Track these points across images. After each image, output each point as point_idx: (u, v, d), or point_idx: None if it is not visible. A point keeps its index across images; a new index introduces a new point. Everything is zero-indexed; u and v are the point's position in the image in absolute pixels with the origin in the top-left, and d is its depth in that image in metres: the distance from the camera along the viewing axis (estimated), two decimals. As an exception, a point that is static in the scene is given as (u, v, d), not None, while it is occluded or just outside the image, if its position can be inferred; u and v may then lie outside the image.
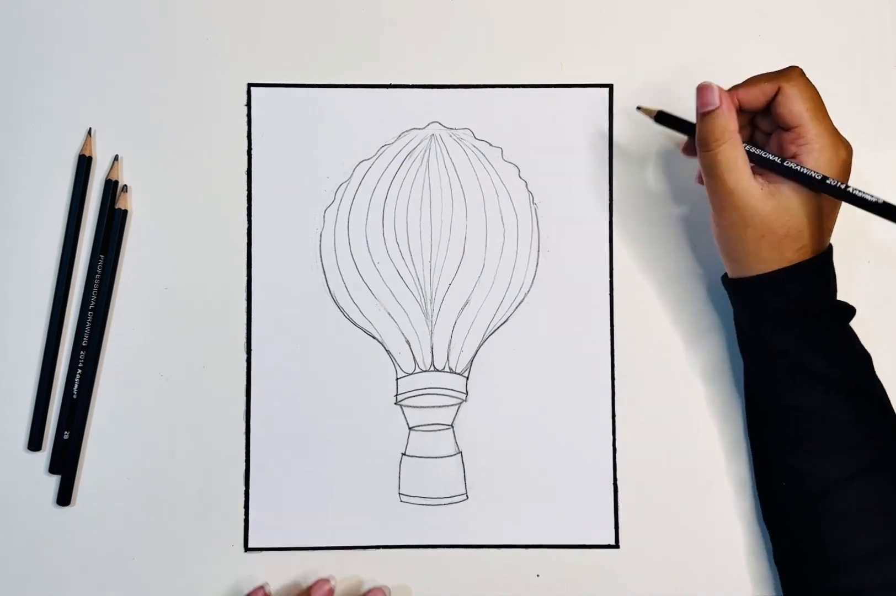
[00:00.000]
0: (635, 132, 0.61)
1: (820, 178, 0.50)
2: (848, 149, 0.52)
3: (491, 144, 0.62)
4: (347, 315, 0.61)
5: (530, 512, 0.60)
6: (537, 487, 0.60)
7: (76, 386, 0.60)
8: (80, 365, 0.60)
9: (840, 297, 0.54)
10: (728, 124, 0.51)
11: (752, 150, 0.52)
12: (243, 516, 0.60)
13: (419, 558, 0.60)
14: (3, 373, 0.60)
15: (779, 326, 0.52)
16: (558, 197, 0.61)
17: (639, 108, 0.56)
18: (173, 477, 0.60)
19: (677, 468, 0.59)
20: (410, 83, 0.62)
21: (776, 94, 0.51)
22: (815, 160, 0.50)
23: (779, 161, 0.51)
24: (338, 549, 0.60)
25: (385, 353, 0.61)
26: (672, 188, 0.62)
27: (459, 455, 0.61)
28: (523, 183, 0.61)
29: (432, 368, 0.61)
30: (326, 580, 0.58)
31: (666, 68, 0.62)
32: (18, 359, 0.60)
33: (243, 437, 0.61)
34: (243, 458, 0.60)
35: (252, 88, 0.61)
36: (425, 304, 0.61)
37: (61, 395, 0.60)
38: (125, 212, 0.61)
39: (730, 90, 0.53)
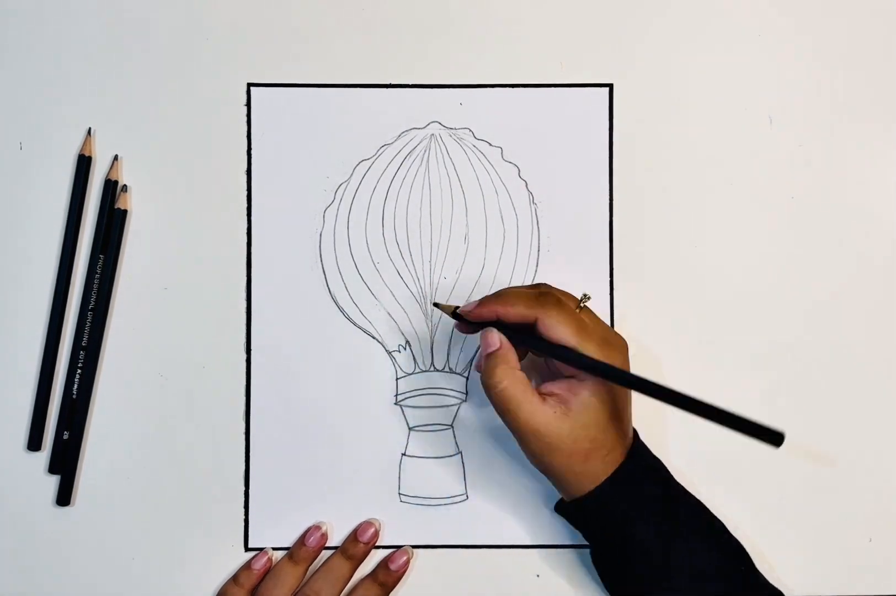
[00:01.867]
0: (635, 132, 0.61)
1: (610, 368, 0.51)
2: (622, 350, 0.53)
3: (491, 144, 0.62)
4: (347, 315, 0.61)
5: (530, 512, 0.60)
6: (537, 487, 0.60)
7: (76, 386, 0.60)
8: (80, 365, 0.60)
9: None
10: (509, 363, 0.52)
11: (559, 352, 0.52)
12: (243, 516, 0.60)
13: (419, 558, 0.60)
14: (3, 373, 0.60)
15: (624, 535, 0.53)
16: (558, 197, 0.61)
17: (436, 304, 0.57)
18: (173, 477, 0.60)
19: (677, 468, 0.59)
20: (410, 83, 0.62)
21: (536, 323, 0.52)
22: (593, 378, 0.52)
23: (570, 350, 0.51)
24: (337, 548, 0.60)
25: (385, 353, 0.61)
26: (672, 188, 0.62)
27: (459, 455, 0.61)
28: (523, 183, 0.61)
29: (432, 368, 0.61)
30: (318, 527, 0.59)
31: (666, 68, 0.62)
32: (18, 359, 0.60)
33: (243, 437, 0.61)
34: (243, 458, 0.60)
35: (252, 88, 0.61)
36: (425, 304, 0.61)
37: (61, 395, 0.60)
38: (125, 212, 0.61)
39: (491, 302, 0.53)
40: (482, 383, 0.53)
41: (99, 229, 0.60)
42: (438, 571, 0.60)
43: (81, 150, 0.61)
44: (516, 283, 0.61)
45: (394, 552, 0.59)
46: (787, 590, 0.57)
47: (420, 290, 0.61)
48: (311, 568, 0.59)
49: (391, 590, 0.59)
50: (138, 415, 0.60)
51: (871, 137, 0.62)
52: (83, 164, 0.60)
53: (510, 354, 0.53)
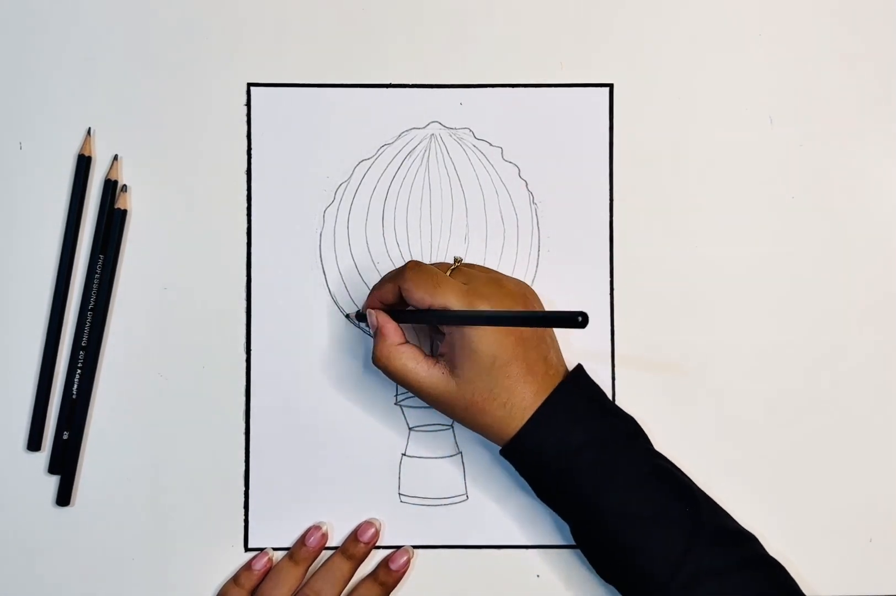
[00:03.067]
0: (635, 132, 0.61)
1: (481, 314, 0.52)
2: (487, 298, 0.53)
3: (491, 144, 0.62)
4: (347, 315, 0.61)
5: (530, 512, 0.60)
6: (537, 487, 0.60)
7: (76, 386, 0.60)
8: (80, 365, 0.60)
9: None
10: (387, 340, 0.55)
11: (406, 313, 0.55)
12: (243, 516, 0.60)
13: (419, 558, 0.60)
14: (2, 373, 0.60)
15: (554, 477, 0.54)
16: (558, 197, 0.61)
17: (347, 316, 0.61)
18: (173, 477, 0.60)
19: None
20: (410, 83, 0.62)
21: (400, 292, 0.54)
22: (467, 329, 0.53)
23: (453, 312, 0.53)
24: (337, 549, 0.60)
25: (385, 353, 0.61)
26: (672, 188, 0.62)
27: (459, 455, 0.61)
28: (523, 183, 0.61)
29: (432, 368, 0.61)
30: (318, 527, 0.59)
31: (666, 68, 0.62)
32: (18, 359, 0.60)
33: (243, 437, 0.61)
34: (243, 458, 0.60)
35: (252, 88, 0.61)
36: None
37: (61, 395, 0.60)
38: (125, 212, 0.61)
39: (371, 292, 0.57)
40: (374, 359, 0.55)
41: (99, 229, 0.60)
42: (438, 571, 0.60)
43: (81, 150, 0.61)
44: (516, 283, 0.61)
45: (394, 552, 0.59)
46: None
47: (420, 291, 0.61)
48: (311, 568, 0.59)
49: (392, 590, 0.59)
50: (138, 415, 0.60)
51: (871, 137, 0.62)
52: (83, 164, 0.60)
53: (388, 330, 0.55)
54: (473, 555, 0.60)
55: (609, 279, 0.61)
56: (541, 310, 0.56)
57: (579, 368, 0.56)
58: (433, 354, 0.57)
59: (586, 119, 0.62)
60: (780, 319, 0.61)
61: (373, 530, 0.59)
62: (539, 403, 0.53)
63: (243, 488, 0.60)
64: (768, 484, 0.60)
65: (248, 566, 0.59)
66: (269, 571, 0.59)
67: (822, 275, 0.61)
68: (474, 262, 0.60)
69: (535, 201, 0.61)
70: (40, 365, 0.60)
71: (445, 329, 0.55)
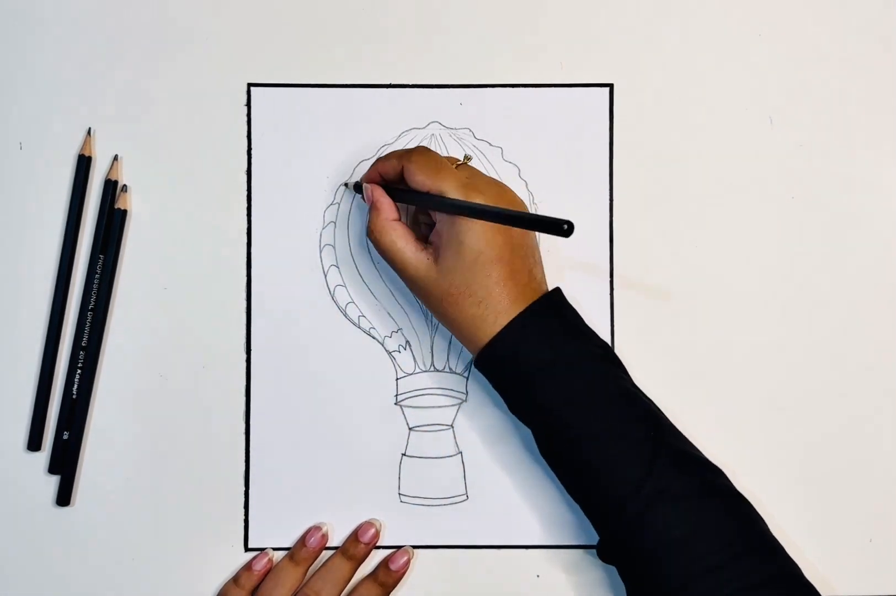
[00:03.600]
0: (635, 132, 0.61)
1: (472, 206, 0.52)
2: (485, 193, 0.53)
3: (491, 144, 0.61)
4: (347, 315, 0.61)
5: (530, 512, 0.60)
6: (537, 487, 0.60)
7: (76, 386, 0.60)
8: (80, 365, 0.60)
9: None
10: (381, 215, 0.56)
11: (401, 192, 0.56)
12: (243, 516, 0.60)
13: (419, 558, 0.60)
14: (3, 373, 0.60)
15: (522, 388, 0.54)
16: (558, 197, 0.61)
17: (345, 184, 0.61)
18: (173, 477, 0.60)
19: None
20: (410, 83, 0.62)
21: (402, 172, 0.55)
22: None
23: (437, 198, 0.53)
24: (338, 549, 0.60)
25: (385, 353, 0.61)
26: (672, 188, 0.62)
27: (459, 455, 0.61)
28: (523, 183, 0.61)
29: (432, 369, 0.61)
30: (318, 527, 0.59)
31: (666, 68, 0.62)
32: (18, 359, 0.60)
33: (243, 437, 0.61)
34: (243, 458, 0.60)
35: (252, 88, 0.61)
36: (425, 304, 0.61)
37: (61, 395, 0.60)
38: (125, 212, 0.61)
39: (374, 163, 0.57)
40: (367, 233, 0.56)
41: (99, 229, 0.60)
42: (438, 571, 0.60)
43: (81, 150, 0.61)
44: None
45: (394, 552, 0.59)
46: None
47: (420, 291, 0.61)
48: (311, 568, 0.59)
49: (392, 590, 0.59)
50: (138, 415, 0.60)
51: (871, 137, 0.62)
52: (83, 164, 0.60)
53: (384, 204, 0.56)
54: (473, 555, 0.60)
55: (609, 279, 0.61)
56: (527, 214, 0.54)
57: (558, 289, 0.56)
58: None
59: (586, 119, 0.62)
60: (780, 318, 0.61)
61: (373, 531, 0.59)
62: (516, 312, 0.53)
63: (243, 488, 0.60)
64: (768, 484, 0.60)
65: (248, 567, 0.59)
66: (270, 571, 0.59)
67: (822, 275, 0.61)
68: None
69: (535, 201, 0.61)
70: (40, 365, 0.60)
71: (437, 217, 0.55)
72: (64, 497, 0.60)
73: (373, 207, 0.56)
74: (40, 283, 0.60)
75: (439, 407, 0.61)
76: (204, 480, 0.60)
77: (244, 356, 0.61)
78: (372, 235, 0.56)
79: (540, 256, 0.56)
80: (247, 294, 0.61)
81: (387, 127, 0.61)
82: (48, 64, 0.61)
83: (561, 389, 0.53)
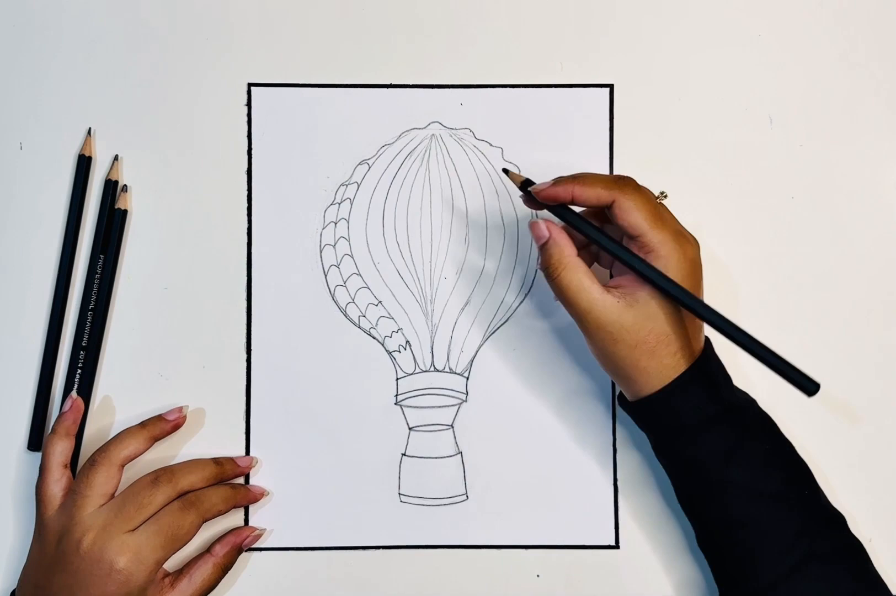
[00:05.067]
0: (635, 132, 0.61)
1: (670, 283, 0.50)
2: (694, 246, 0.52)
3: (491, 144, 0.62)
4: (347, 315, 0.61)
5: (530, 512, 0.60)
6: (537, 487, 0.60)
7: (76, 386, 0.60)
8: (80, 365, 0.60)
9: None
10: (563, 251, 0.51)
11: (608, 243, 0.51)
12: (243, 516, 0.60)
13: (419, 559, 0.60)
14: (3, 373, 0.60)
15: (685, 441, 0.53)
16: (558, 197, 0.61)
17: (505, 170, 0.55)
18: (173, 477, 0.60)
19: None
20: (410, 83, 0.62)
21: (612, 205, 0.51)
22: (663, 266, 0.50)
23: (636, 259, 0.51)
24: (338, 549, 0.60)
25: (385, 353, 0.61)
26: (672, 188, 0.61)
27: (459, 455, 0.61)
28: (523, 183, 0.61)
29: (432, 369, 0.61)
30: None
31: (666, 68, 0.62)
32: (18, 359, 0.60)
33: (243, 436, 0.61)
34: (243, 458, 0.61)
35: (252, 88, 0.61)
36: (425, 304, 0.61)
37: (61, 395, 0.60)
38: (125, 212, 0.61)
39: (568, 182, 0.51)
40: (542, 272, 0.52)
41: (99, 229, 0.60)
42: (438, 571, 0.60)
43: (81, 150, 0.61)
44: (516, 283, 0.61)
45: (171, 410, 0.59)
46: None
47: (420, 290, 0.61)
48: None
49: (229, 564, 0.58)
50: (138, 415, 0.60)
51: (871, 138, 0.62)
52: (83, 164, 0.60)
53: (563, 240, 0.52)
54: (473, 555, 0.60)
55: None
56: (781, 358, 0.50)
57: (708, 338, 0.55)
58: None
59: (586, 119, 0.62)
60: (779, 318, 0.61)
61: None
62: (691, 362, 0.52)
63: (243, 488, 0.60)
64: (768, 484, 0.60)
65: (158, 416, 0.58)
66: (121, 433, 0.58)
67: (821, 275, 0.61)
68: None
69: (535, 201, 0.61)
70: (41, 365, 0.60)
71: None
72: (64, 497, 0.60)
73: (548, 245, 0.52)
74: (40, 284, 0.60)
75: (439, 407, 0.61)
76: (204, 480, 0.60)
77: (244, 356, 0.61)
78: (554, 271, 0.51)
79: None
80: (247, 294, 0.61)
81: (387, 127, 0.61)
82: (48, 64, 0.61)
83: (723, 443, 0.52)
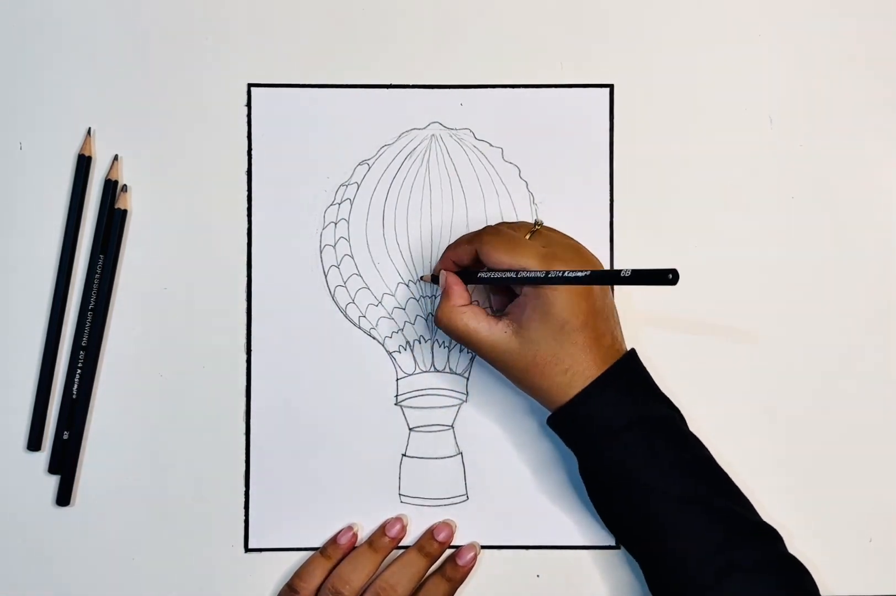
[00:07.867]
0: (635, 132, 0.61)
1: (544, 275, 0.52)
2: (574, 263, 0.54)
3: (491, 145, 0.61)
4: (347, 316, 0.61)
5: (530, 512, 0.60)
6: (537, 487, 0.60)
7: (76, 386, 0.60)
8: (80, 365, 0.60)
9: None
10: (450, 300, 0.56)
11: (484, 275, 0.55)
12: (243, 516, 0.60)
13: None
14: (2, 373, 0.60)
15: (596, 453, 0.54)
16: (559, 197, 0.61)
17: (422, 278, 0.61)
18: (173, 477, 0.60)
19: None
20: (410, 83, 0.62)
21: (479, 254, 0.55)
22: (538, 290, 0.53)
23: (511, 275, 0.53)
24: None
25: (385, 353, 0.61)
26: (672, 188, 0.62)
27: (459, 456, 0.61)
28: (524, 183, 0.61)
29: (432, 369, 0.61)
30: (399, 519, 0.60)
31: (666, 68, 0.62)
32: (18, 359, 0.60)
33: (243, 437, 0.61)
34: (243, 458, 0.60)
35: (252, 88, 0.61)
36: (426, 304, 0.61)
37: (61, 395, 0.60)
38: (125, 212, 0.61)
39: (445, 252, 0.57)
40: (437, 319, 0.56)
41: (99, 229, 0.60)
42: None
43: (81, 150, 0.61)
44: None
45: (461, 548, 0.59)
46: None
47: (420, 290, 0.61)
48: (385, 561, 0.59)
49: (459, 585, 0.59)
50: (138, 415, 0.60)
51: (871, 137, 0.62)
52: (83, 164, 0.60)
53: (454, 291, 0.56)
54: (473, 555, 0.60)
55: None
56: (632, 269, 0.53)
57: (633, 351, 0.56)
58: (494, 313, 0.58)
59: (586, 119, 0.62)
60: (781, 318, 0.61)
61: (448, 531, 0.59)
62: (598, 374, 0.53)
63: (243, 488, 0.60)
64: (768, 485, 0.60)
65: (334, 540, 0.59)
66: (349, 554, 0.59)
67: (822, 275, 0.61)
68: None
69: (535, 202, 0.61)
70: (40, 365, 0.60)
71: (521, 290, 0.55)
72: (64, 497, 0.60)
73: (443, 294, 0.56)
74: (40, 284, 0.60)
75: (439, 407, 0.61)
76: (204, 480, 0.60)
77: (244, 356, 0.61)
78: (441, 322, 0.56)
79: (617, 314, 0.57)
80: (247, 294, 0.61)
81: (387, 127, 0.61)
82: (48, 64, 0.61)
83: (641, 451, 0.53)
